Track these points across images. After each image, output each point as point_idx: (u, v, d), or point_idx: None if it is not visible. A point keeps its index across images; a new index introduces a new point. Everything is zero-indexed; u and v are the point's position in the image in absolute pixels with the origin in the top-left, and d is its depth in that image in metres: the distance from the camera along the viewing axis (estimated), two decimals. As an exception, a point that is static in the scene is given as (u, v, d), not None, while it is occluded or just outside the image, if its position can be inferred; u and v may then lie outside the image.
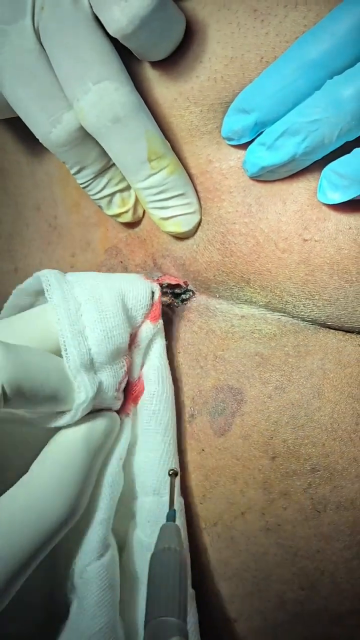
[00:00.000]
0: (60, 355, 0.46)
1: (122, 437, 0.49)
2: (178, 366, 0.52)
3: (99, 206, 0.52)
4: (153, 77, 0.49)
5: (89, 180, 0.50)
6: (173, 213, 0.50)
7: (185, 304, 0.52)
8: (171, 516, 0.45)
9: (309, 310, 0.48)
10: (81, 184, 0.51)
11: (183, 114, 0.49)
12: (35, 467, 0.45)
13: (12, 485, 0.44)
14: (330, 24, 0.42)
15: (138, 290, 0.49)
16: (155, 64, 0.48)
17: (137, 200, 0.52)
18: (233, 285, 0.50)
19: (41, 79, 0.47)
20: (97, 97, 0.45)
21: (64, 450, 0.45)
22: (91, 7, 0.45)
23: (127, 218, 0.52)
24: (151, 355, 0.50)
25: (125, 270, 0.55)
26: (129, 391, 0.50)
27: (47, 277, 0.48)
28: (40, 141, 0.49)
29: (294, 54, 0.43)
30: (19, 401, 0.42)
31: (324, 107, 0.42)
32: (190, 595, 0.47)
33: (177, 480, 0.48)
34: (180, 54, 0.48)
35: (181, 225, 0.50)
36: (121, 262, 0.55)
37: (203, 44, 0.47)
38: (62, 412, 0.46)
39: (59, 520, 0.43)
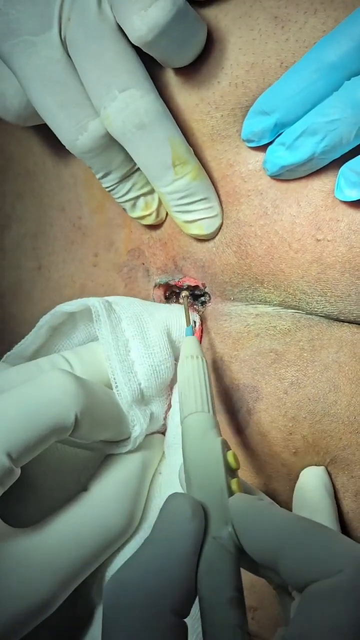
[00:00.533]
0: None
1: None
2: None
3: (123, 209, 0.53)
4: (176, 84, 0.50)
5: (114, 184, 0.52)
6: (196, 217, 0.51)
7: (204, 307, 0.54)
8: (190, 331, 0.51)
9: (321, 307, 0.49)
10: (106, 187, 0.52)
11: (204, 118, 0.50)
12: (94, 485, 0.48)
13: (54, 496, 0.49)
14: (348, 28, 0.43)
15: (183, 322, 0.52)
16: (178, 71, 0.50)
17: (160, 204, 0.53)
18: (247, 287, 0.51)
19: (68, 87, 0.49)
20: (123, 105, 0.47)
21: (122, 471, 0.49)
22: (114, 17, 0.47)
23: (150, 220, 0.53)
24: None
25: (147, 272, 0.56)
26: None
27: (97, 307, 0.50)
28: (67, 148, 0.50)
29: (313, 57, 0.44)
30: (86, 429, 0.45)
31: (342, 108, 0.43)
32: None
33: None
34: (202, 61, 0.49)
35: (204, 228, 0.51)
36: (143, 263, 0.56)
37: (224, 51, 0.48)
38: (120, 441, 0.50)
39: (119, 533, 0.47)
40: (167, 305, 0.54)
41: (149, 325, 0.51)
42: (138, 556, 0.38)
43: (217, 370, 0.52)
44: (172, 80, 0.50)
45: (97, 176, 0.52)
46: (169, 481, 0.51)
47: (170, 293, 0.55)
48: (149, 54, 0.47)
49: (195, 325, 0.53)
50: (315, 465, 0.49)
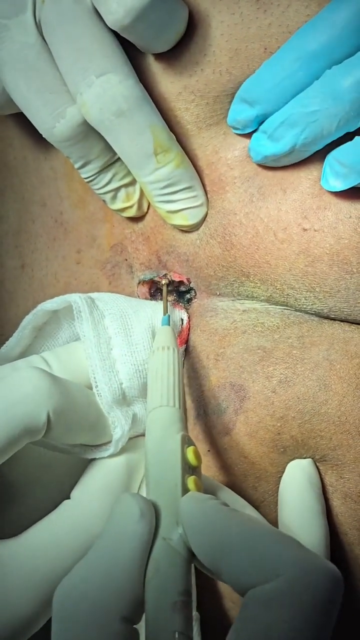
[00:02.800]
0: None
1: None
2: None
3: (104, 201, 0.52)
4: (157, 71, 0.49)
5: (93, 174, 0.50)
6: (180, 206, 0.49)
7: (189, 304, 0.52)
8: (165, 321, 0.49)
9: (310, 303, 0.48)
10: (85, 178, 0.50)
11: (189, 107, 0.48)
12: (77, 493, 0.46)
13: (38, 506, 0.47)
14: (330, 15, 0.41)
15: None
16: (159, 58, 0.48)
17: (142, 195, 0.51)
18: (233, 281, 0.50)
19: (43, 73, 0.47)
20: (100, 90, 0.45)
21: (105, 476, 0.47)
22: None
23: (132, 213, 0.52)
24: None
25: (130, 268, 0.54)
26: None
27: (78, 303, 0.48)
28: (44, 136, 0.48)
29: (294, 45, 0.43)
30: (61, 430, 0.43)
31: (323, 98, 0.42)
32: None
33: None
34: (183, 47, 0.47)
35: (188, 218, 0.49)
36: (126, 259, 0.55)
37: (206, 37, 0.47)
38: (101, 445, 0.47)
39: None
40: (153, 302, 0.52)
41: (132, 322, 0.49)
42: (84, 562, 0.37)
43: (203, 369, 0.51)
44: (153, 66, 0.49)
45: (76, 166, 0.50)
46: None
47: (156, 290, 0.54)
48: (126, 38, 0.45)
49: (182, 323, 0.51)
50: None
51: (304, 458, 0.48)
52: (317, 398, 0.47)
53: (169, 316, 0.49)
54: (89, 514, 0.44)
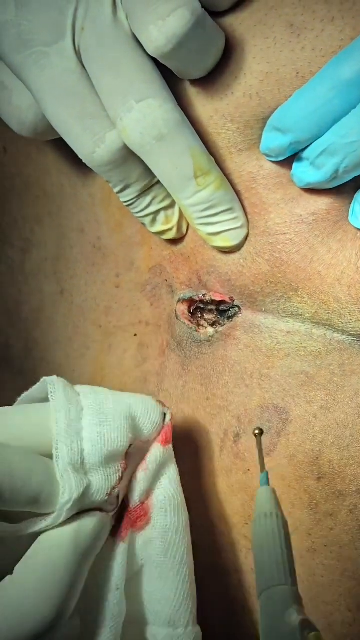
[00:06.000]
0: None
1: (115, 565, 0.46)
2: (225, 385, 0.52)
3: (143, 224, 0.52)
4: (190, 95, 0.49)
5: (132, 198, 0.50)
6: (221, 228, 0.49)
7: (230, 321, 0.52)
8: (264, 480, 0.44)
9: (354, 320, 0.48)
10: (125, 202, 0.51)
11: (220, 131, 0.48)
12: (17, 569, 0.41)
13: None
14: None
15: (147, 406, 0.47)
16: (192, 81, 0.48)
17: (181, 217, 0.51)
18: (280, 296, 0.50)
19: (83, 99, 0.47)
20: (140, 115, 0.45)
21: (48, 550, 0.42)
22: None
23: (172, 235, 0.52)
24: (163, 483, 0.47)
25: (170, 288, 0.55)
26: (127, 515, 0.47)
27: (54, 382, 0.46)
28: (84, 161, 0.49)
29: (329, 74, 0.42)
30: None
31: None
32: None
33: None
34: (215, 71, 0.47)
35: (230, 240, 0.49)
36: (166, 280, 0.55)
37: (239, 60, 0.47)
38: (45, 515, 0.43)
39: (43, 624, 0.40)
40: (134, 394, 0.49)
41: (108, 399, 0.47)
42: None
43: (246, 387, 0.51)
44: (186, 90, 0.49)
45: (115, 190, 0.50)
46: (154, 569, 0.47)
47: (195, 308, 0.54)
48: (165, 64, 0.46)
49: (165, 419, 0.48)
50: (340, 493, 0.47)
51: (342, 490, 0.47)
52: (356, 425, 0.47)
53: (267, 474, 0.44)
54: (26, 594, 0.40)
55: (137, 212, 0.51)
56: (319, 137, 0.44)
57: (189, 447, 0.53)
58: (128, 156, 0.48)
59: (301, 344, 0.50)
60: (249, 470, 0.50)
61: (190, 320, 0.53)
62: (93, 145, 0.48)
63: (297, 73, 0.45)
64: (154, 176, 0.50)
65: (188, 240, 0.53)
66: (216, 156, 0.49)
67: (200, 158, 0.47)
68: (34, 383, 0.59)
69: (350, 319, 0.48)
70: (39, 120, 0.51)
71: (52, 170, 0.59)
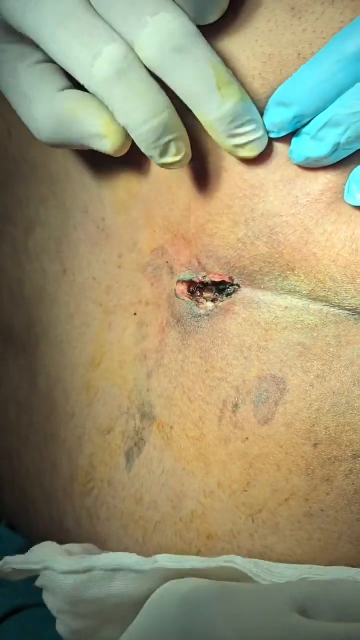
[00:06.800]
0: None
1: None
2: (224, 357, 0.53)
3: (151, 156, 0.50)
4: None
5: (143, 131, 0.49)
6: (247, 139, 0.49)
7: (229, 297, 0.54)
8: None
9: (350, 297, 0.49)
10: (136, 137, 0.49)
11: (223, 112, 0.50)
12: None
13: None
14: None
15: None
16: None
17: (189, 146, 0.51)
18: (278, 275, 0.51)
19: (83, 19, 0.47)
20: (156, 28, 0.45)
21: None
22: None
23: (180, 165, 0.51)
24: None
25: (171, 269, 0.56)
26: None
27: None
28: (82, 82, 0.48)
29: (333, 48, 0.44)
30: None
31: None
32: None
33: None
34: (219, 54, 0.48)
35: (255, 149, 0.49)
36: (167, 262, 0.56)
37: (241, 43, 0.48)
38: None
39: None
40: None
41: None
42: None
43: (245, 359, 0.52)
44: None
45: (121, 118, 0.48)
46: None
47: (195, 289, 0.55)
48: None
49: None
50: (335, 458, 0.49)
51: (336, 458, 0.49)
52: (351, 392, 0.48)
53: None
54: None
55: (147, 145, 0.49)
56: (322, 111, 0.46)
57: (189, 418, 0.54)
58: (129, 70, 0.47)
59: (298, 317, 0.51)
60: (247, 438, 0.51)
61: (189, 297, 0.55)
62: (91, 58, 0.47)
63: (299, 54, 0.47)
64: (163, 104, 0.48)
65: (190, 225, 0.54)
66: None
67: (220, 69, 0.47)
68: (35, 359, 0.61)
69: (346, 296, 0.49)
70: (54, 132, 0.51)
71: (58, 154, 0.60)
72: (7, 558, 0.50)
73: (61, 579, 0.49)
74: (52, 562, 0.49)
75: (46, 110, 0.50)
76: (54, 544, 0.53)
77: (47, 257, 0.62)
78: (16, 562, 0.50)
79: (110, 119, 0.49)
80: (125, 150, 0.51)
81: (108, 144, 0.50)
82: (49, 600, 0.51)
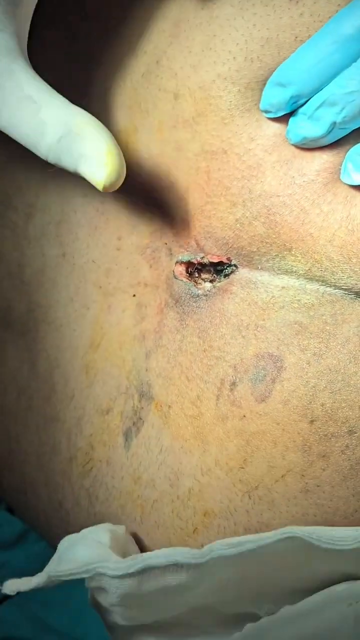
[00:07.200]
0: None
1: None
2: (222, 336, 0.54)
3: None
4: (194, 63, 0.51)
5: None
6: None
7: (227, 278, 0.54)
8: None
9: (346, 276, 0.50)
10: None
11: (222, 94, 0.51)
12: None
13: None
14: None
15: None
16: (193, 50, 0.51)
17: None
18: (275, 255, 0.52)
19: None
20: None
21: None
22: None
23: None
24: None
25: (169, 251, 0.57)
26: None
27: None
28: None
29: (330, 29, 0.45)
30: None
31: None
32: None
33: None
34: (217, 39, 0.50)
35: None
36: (165, 243, 0.57)
37: (238, 27, 0.49)
38: None
39: None
40: None
41: None
42: None
43: (242, 338, 0.53)
44: (189, 59, 0.51)
45: None
46: None
47: (193, 270, 0.56)
48: None
49: None
50: (332, 435, 0.50)
51: (333, 435, 0.50)
52: (347, 370, 0.49)
53: None
54: None
55: None
56: (319, 91, 0.47)
57: (187, 397, 0.55)
58: None
59: (295, 297, 0.52)
60: (244, 416, 0.52)
61: (188, 279, 0.56)
62: None
63: (296, 37, 0.48)
64: None
65: (189, 208, 0.55)
66: (219, 119, 0.51)
67: None
68: (34, 343, 0.61)
69: (342, 276, 0.50)
70: (55, 143, 0.49)
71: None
72: (49, 571, 0.49)
73: (116, 583, 0.49)
74: (102, 567, 0.48)
75: (58, 116, 0.49)
76: (87, 537, 0.53)
77: (47, 242, 0.62)
78: (62, 573, 0.48)
79: (116, 151, 0.48)
80: (114, 189, 0.49)
81: (103, 173, 0.47)
82: (101, 597, 0.51)
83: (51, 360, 0.62)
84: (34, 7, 0.51)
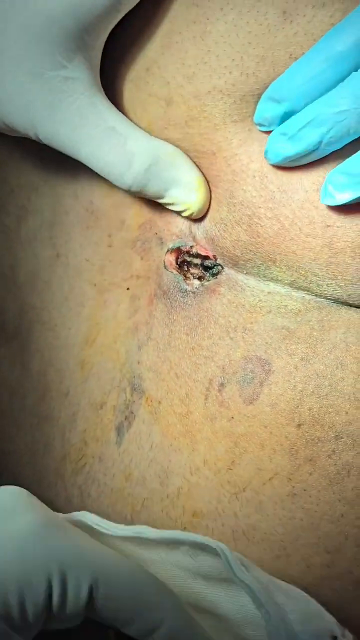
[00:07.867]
0: None
1: None
2: (210, 336, 0.55)
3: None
4: (191, 73, 0.52)
5: None
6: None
7: (215, 278, 0.55)
8: None
9: (332, 290, 0.51)
10: None
11: (217, 103, 0.52)
12: None
13: None
14: (356, 19, 0.45)
15: None
16: (191, 61, 0.52)
17: None
18: (260, 264, 0.53)
19: None
20: None
21: None
22: None
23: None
24: None
25: (160, 240, 0.58)
26: None
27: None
28: None
29: (322, 47, 0.46)
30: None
31: (351, 99, 0.45)
32: None
33: None
34: (212, 55, 0.51)
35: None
36: (156, 233, 0.58)
37: (233, 45, 0.50)
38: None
39: None
40: None
41: None
42: None
43: (230, 340, 0.54)
44: (184, 69, 0.52)
45: None
46: None
47: (182, 261, 0.57)
48: None
49: None
50: (319, 439, 0.51)
51: (319, 439, 0.51)
52: (334, 375, 0.51)
53: None
54: None
55: None
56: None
57: (176, 394, 0.56)
58: None
59: (282, 302, 0.53)
60: (232, 418, 0.53)
61: (177, 271, 0.57)
62: None
63: (291, 55, 0.49)
64: None
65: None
66: (211, 125, 0.52)
67: None
68: (28, 344, 0.61)
69: (328, 289, 0.52)
70: (142, 173, 0.52)
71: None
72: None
73: (153, 546, 0.51)
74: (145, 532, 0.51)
75: (146, 147, 0.52)
76: None
77: (40, 243, 0.63)
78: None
79: (205, 180, 0.54)
80: (202, 214, 0.55)
81: (195, 197, 0.53)
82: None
83: (45, 359, 0.63)
84: (106, 36, 0.53)
